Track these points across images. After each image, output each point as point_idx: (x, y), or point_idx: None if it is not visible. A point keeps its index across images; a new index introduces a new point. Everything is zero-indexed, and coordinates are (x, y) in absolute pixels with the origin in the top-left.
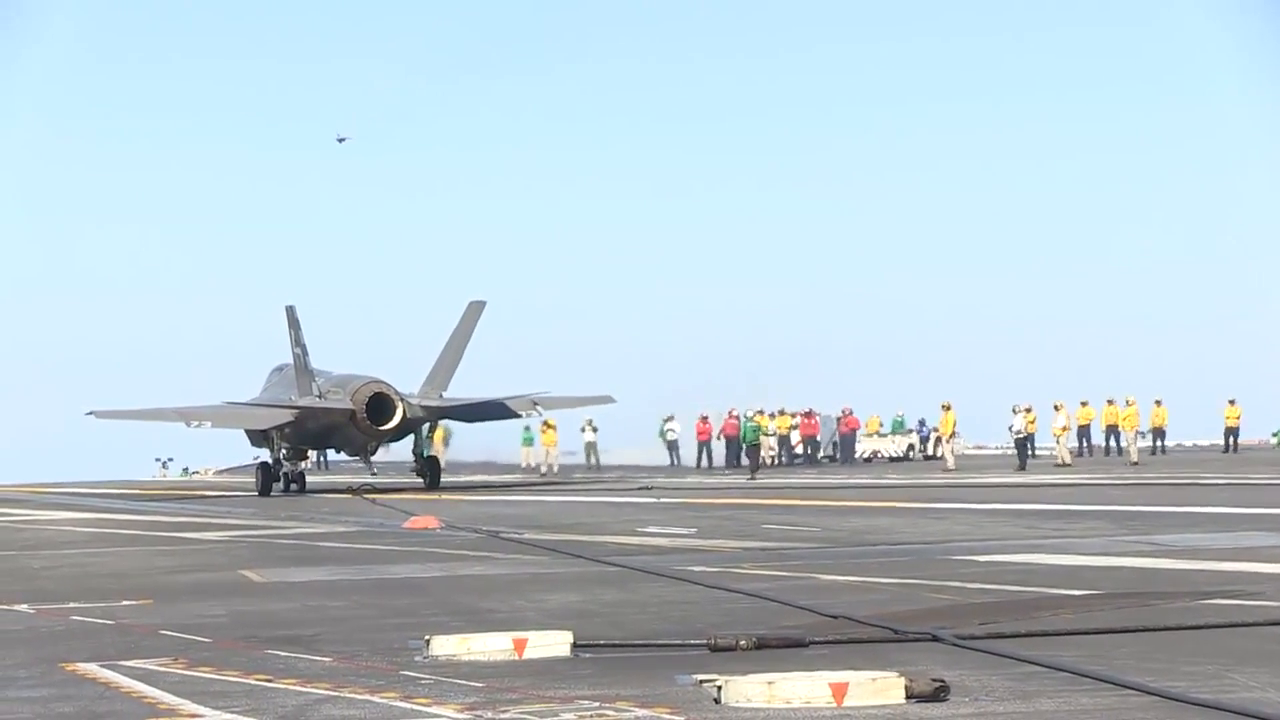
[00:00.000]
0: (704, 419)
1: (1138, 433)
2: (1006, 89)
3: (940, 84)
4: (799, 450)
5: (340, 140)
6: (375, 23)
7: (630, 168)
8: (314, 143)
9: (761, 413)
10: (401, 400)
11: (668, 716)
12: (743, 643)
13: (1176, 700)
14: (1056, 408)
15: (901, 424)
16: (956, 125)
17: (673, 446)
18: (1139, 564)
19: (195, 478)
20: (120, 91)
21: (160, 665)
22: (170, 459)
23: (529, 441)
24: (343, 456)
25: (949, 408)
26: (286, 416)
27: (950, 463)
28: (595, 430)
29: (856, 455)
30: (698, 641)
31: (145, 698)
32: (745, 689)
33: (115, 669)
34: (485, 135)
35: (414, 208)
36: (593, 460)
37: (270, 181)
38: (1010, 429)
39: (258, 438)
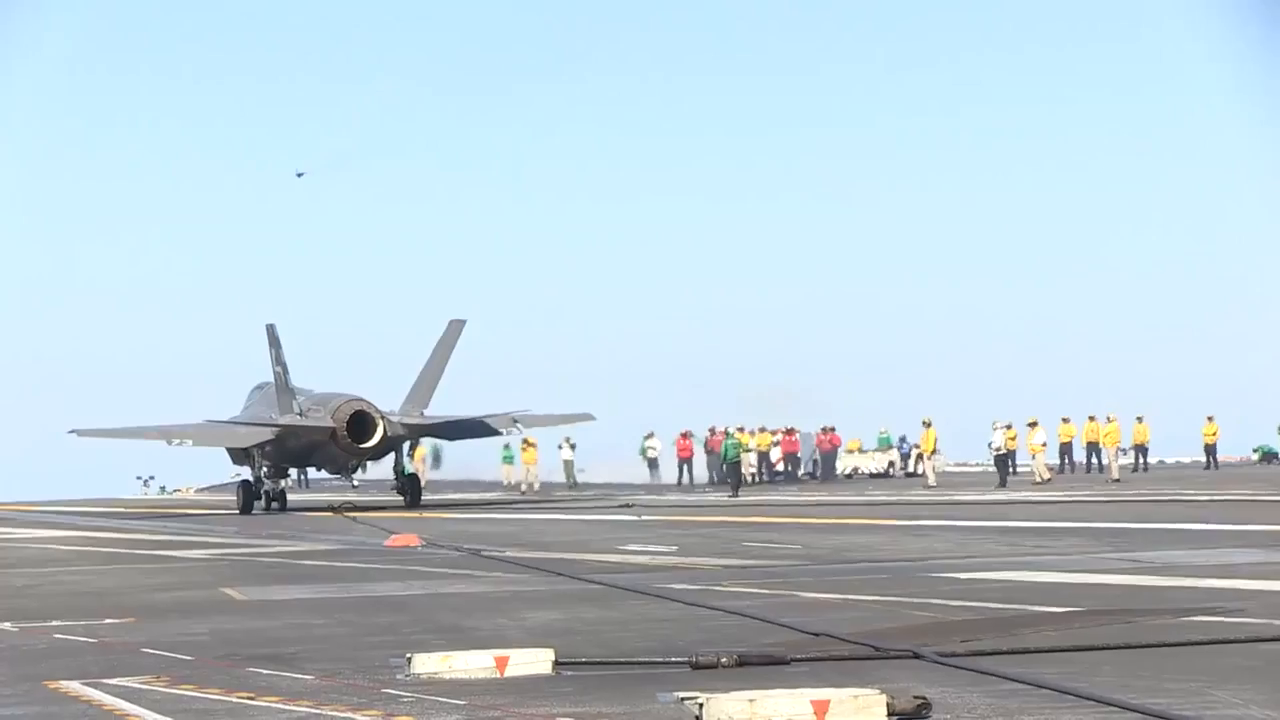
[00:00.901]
0: (685, 435)
1: (1119, 449)
2: (986, 106)
3: (922, 96)
4: (780, 467)
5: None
6: (359, 42)
7: (611, 184)
8: (294, 160)
9: (742, 429)
10: (382, 418)
11: None
12: (724, 660)
13: (1159, 717)
14: (1032, 424)
15: (888, 440)
16: (936, 142)
17: (653, 464)
18: (1121, 581)
19: (176, 495)
20: (100, 110)
21: (143, 683)
22: (152, 477)
23: (509, 459)
24: (324, 475)
25: (930, 424)
26: (267, 435)
27: (931, 479)
28: (573, 448)
29: (837, 472)
30: (679, 659)
31: (128, 716)
32: (727, 706)
33: (98, 687)
34: (466, 153)
35: (394, 226)
36: (570, 479)
37: (250, 199)
38: (990, 446)
39: (239, 456)
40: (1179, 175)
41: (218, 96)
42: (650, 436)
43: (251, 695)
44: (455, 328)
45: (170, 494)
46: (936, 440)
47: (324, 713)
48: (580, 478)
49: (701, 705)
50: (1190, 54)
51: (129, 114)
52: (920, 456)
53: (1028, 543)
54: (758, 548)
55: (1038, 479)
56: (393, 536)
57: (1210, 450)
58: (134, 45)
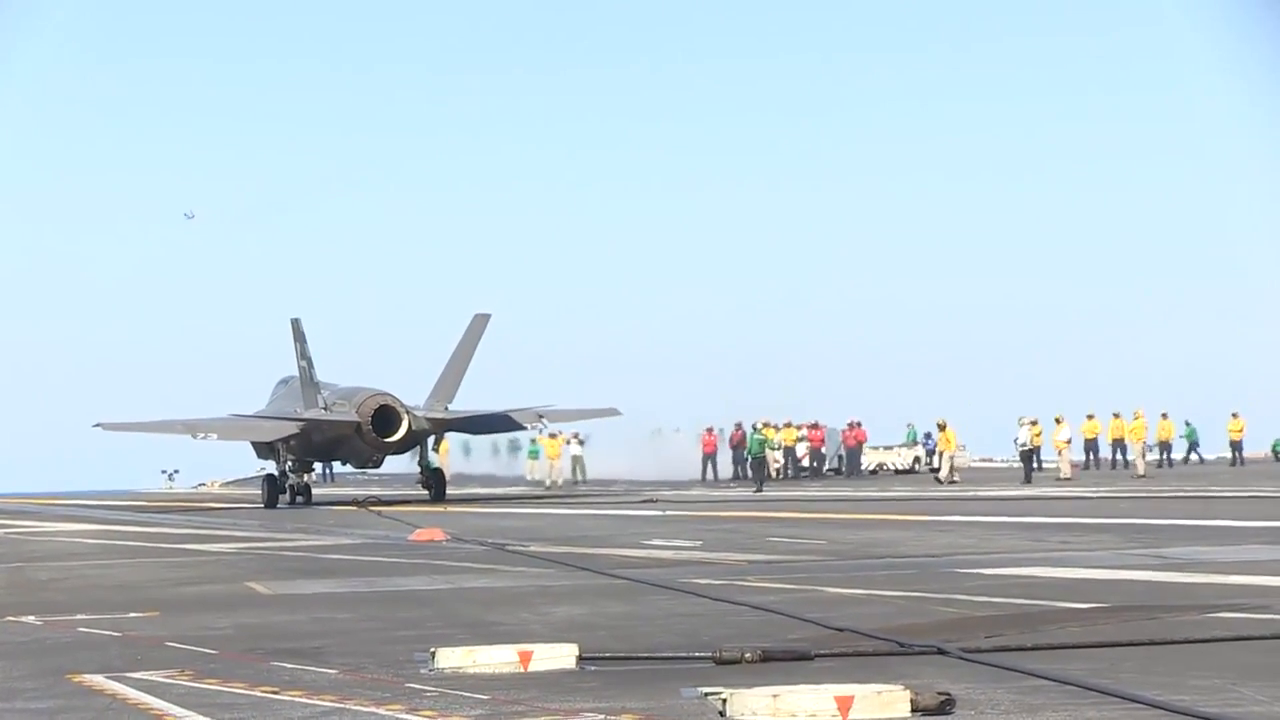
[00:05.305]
0: (710, 431)
1: (1144, 446)
2: (1010, 96)
3: (945, 89)
4: (805, 462)
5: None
6: (381, 30)
7: (637, 178)
8: (319, 153)
9: (769, 425)
10: (407, 412)
11: None
12: (748, 655)
13: (1182, 714)
14: (1058, 420)
15: (914, 435)
16: (960, 133)
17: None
18: (1145, 577)
19: (200, 489)
20: (120, 99)
21: (167, 677)
22: (176, 471)
23: (534, 454)
24: (349, 469)
25: (944, 426)
26: (292, 429)
27: (943, 474)
28: (582, 444)
29: (862, 467)
30: (703, 654)
31: (152, 709)
32: (750, 701)
33: (122, 680)
34: (489, 146)
35: (419, 220)
36: (578, 474)
37: (275, 192)
38: (1016, 441)
39: (264, 450)
40: (1210, 169)
41: (240, 87)
42: (676, 432)
43: (275, 689)
44: (480, 322)
45: (195, 488)
46: (955, 440)
47: (348, 707)
48: (602, 474)
49: (725, 700)
50: (1221, 42)
51: (150, 104)
52: (941, 454)
53: (1052, 539)
54: (782, 543)
55: (1060, 475)
56: (417, 531)
57: (1236, 446)
58: (158, 33)
